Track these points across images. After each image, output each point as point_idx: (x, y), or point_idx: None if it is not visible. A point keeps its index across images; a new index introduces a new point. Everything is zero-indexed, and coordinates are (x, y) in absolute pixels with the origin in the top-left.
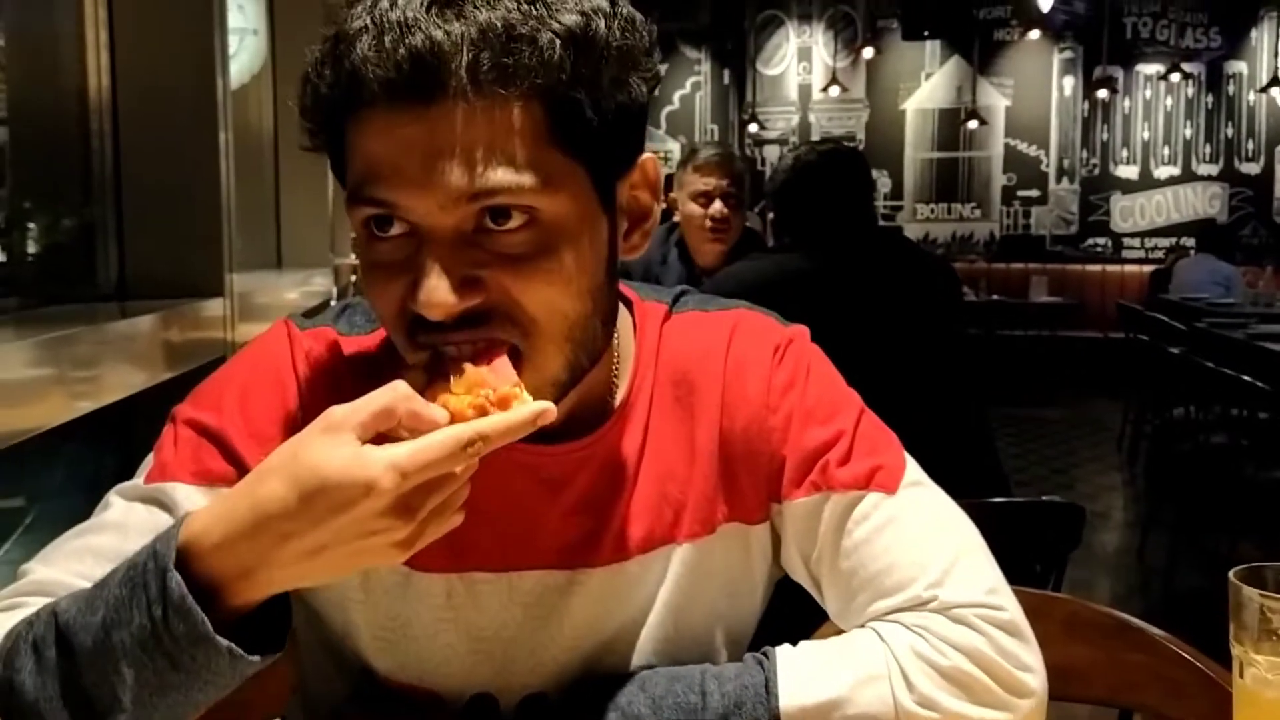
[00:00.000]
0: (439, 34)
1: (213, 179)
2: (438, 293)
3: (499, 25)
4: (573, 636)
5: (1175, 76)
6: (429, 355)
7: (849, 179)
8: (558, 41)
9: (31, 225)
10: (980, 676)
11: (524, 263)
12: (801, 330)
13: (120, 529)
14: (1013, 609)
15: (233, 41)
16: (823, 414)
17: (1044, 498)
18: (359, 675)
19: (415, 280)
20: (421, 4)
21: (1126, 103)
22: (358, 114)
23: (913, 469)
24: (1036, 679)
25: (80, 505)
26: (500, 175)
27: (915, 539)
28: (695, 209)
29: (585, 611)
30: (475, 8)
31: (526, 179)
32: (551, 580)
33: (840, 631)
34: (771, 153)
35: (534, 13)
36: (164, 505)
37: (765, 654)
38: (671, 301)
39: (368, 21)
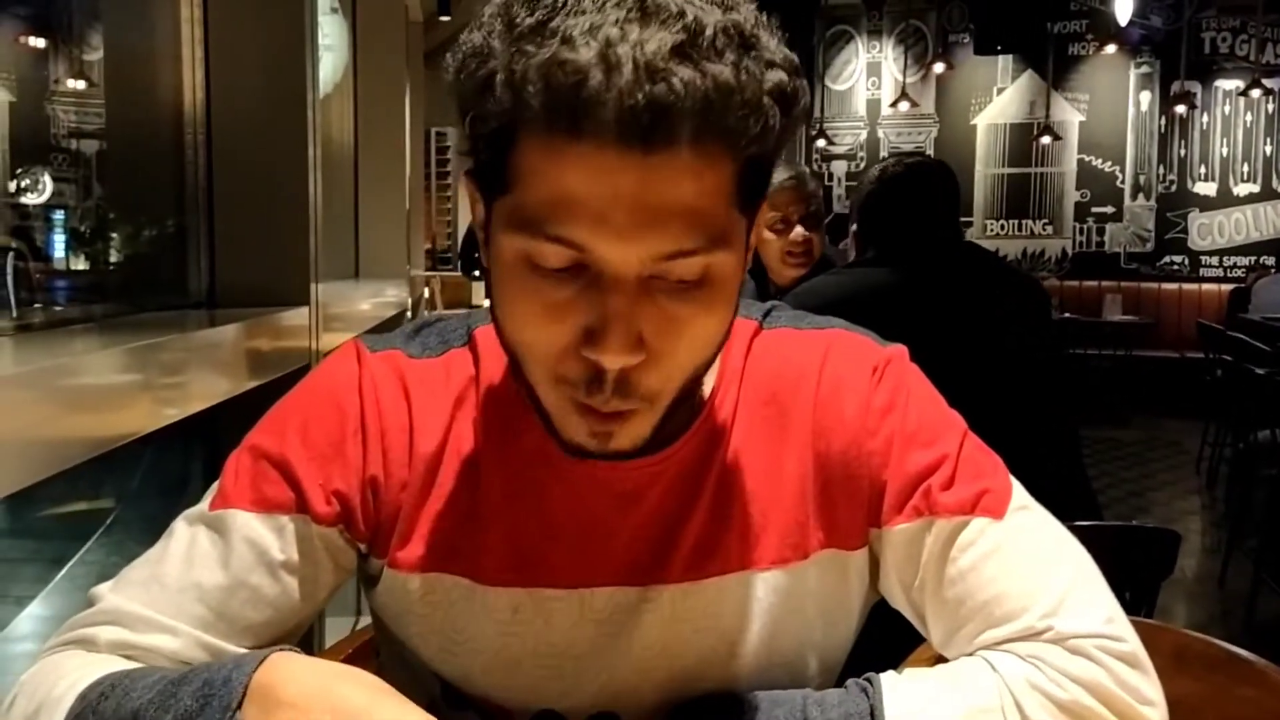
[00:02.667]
0: (677, 83)
1: (301, 191)
2: (626, 343)
3: (731, 82)
4: (644, 657)
5: (1256, 92)
6: (573, 403)
7: (935, 192)
8: (775, 107)
9: (125, 235)
10: (1101, 711)
11: (686, 325)
12: (900, 350)
13: (187, 559)
14: (1133, 640)
15: None
16: (925, 437)
17: (1134, 522)
18: (434, 690)
19: (594, 329)
20: (659, 47)
21: (1205, 118)
22: (557, 139)
23: (1020, 493)
24: (1158, 713)
25: (162, 510)
26: (699, 235)
27: (1026, 566)
28: (771, 236)
29: (657, 631)
30: (705, 58)
31: (717, 238)
32: (623, 597)
33: (941, 658)
34: (839, 168)
35: (752, 68)
36: (221, 533)
37: (869, 680)
38: (762, 317)
39: (599, 52)
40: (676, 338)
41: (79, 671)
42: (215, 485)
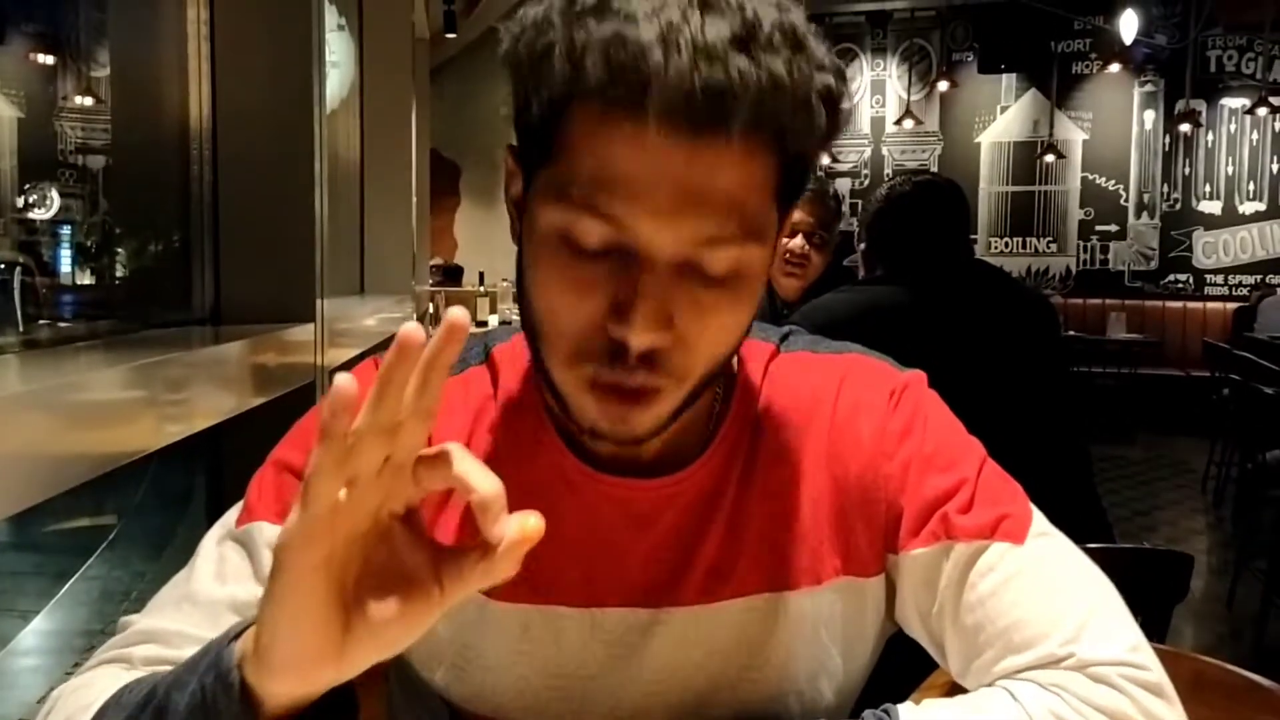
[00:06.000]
0: (734, 72)
1: (307, 207)
2: (654, 325)
3: (784, 77)
4: (654, 680)
5: (1262, 110)
6: (591, 382)
7: (944, 210)
8: (822, 107)
9: (131, 250)
10: None
11: (714, 312)
12: (919, 375)
13: (218, 575)
14: (1156, 669)
15: None
16: (943, 461)
17: (1145, 545)
18: (443, 716)
19: (623, 304)
20: (719, 34)
21: (1210, 137)
22: (610, 114)
23: (1040, 519)
24: None
25: (165, 525)
26: (737, 224)
27: (1047, 592)
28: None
29: (667, 653)
30: (762, 50)
31: (753, 230)
32: (635, 618)
33: (956, 685)
34: (843, 185)
35: (804, 67)
36: (248, 547)
37: (886, 711)
38: (779, 340)
39: (660, 31)
40: (704, 323)
41: (112, 692)
42: (240, 504)
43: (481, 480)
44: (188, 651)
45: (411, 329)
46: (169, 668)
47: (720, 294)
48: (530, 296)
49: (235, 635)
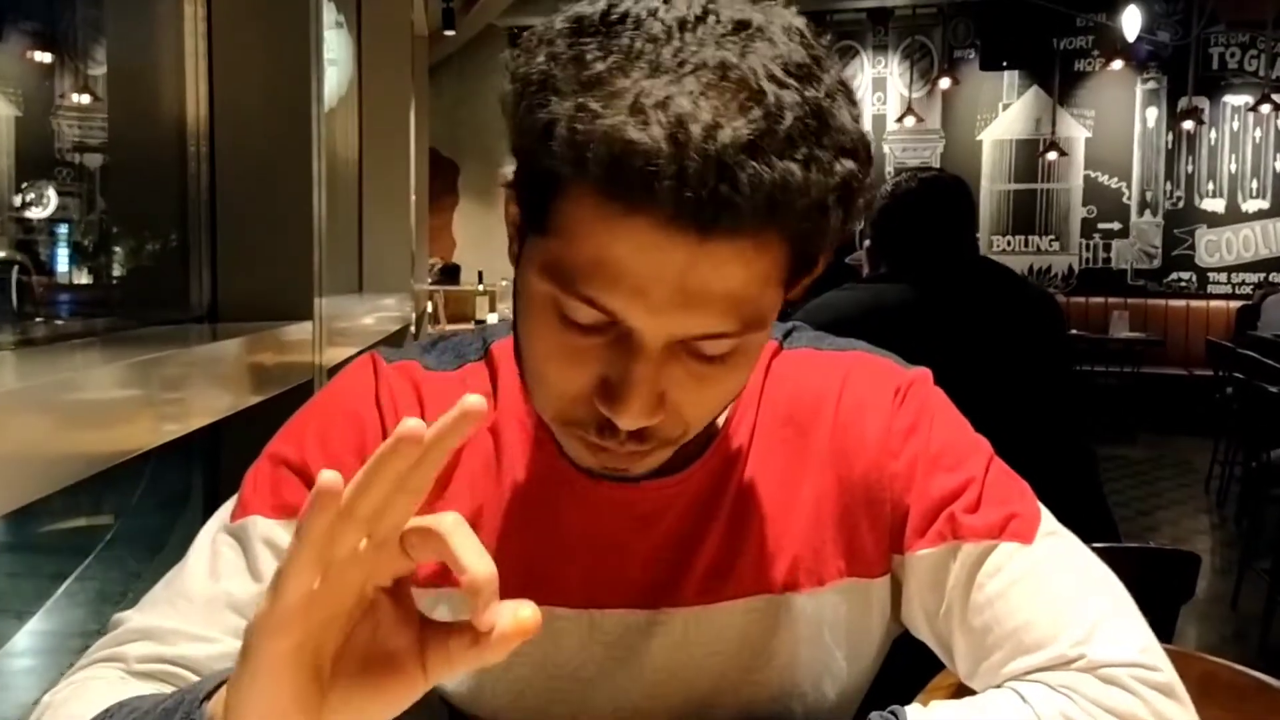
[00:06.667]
0: (744, 181)
1: (305, 205)
2: (645, 411)
3: (799, 182)
4: (655, 681)
5: (1265, 108)
6: (582, 439)
7: (950, 207)
8: (839, 206)
9: (128, 248)
10: None
11: (709, 385)
12: (924, 373)
13: (211, 571)
14: (1168, 670)
15: None
16: (949, 460)
17: (1152, 544)
18: (440, 709)
19: (613, 387)
20: (733, 138)
21: (1213, 134)
22: (609, 206)
23: (1048, 519)
24: None
25: (162, 525)
26: (736, 320)
27: (1057, 592)
28: None
29: (666, 655)
30: (777, 153)
31: (753, 321)
32: (633, 620)
33: (962, 686)
34: None
35: (824, 159)
36: (243, 542)
37: (893, 713)
38: (782, 337)
39: (668, 133)
40: (700, 396)
41: (94, 714)
42: (234, 499)
43: (475, 561)
44: (183, 648)
45: (413, 425)
46: (163, 666)
47: (716, 369)
48: (522, 341)
49: (207, 695)
